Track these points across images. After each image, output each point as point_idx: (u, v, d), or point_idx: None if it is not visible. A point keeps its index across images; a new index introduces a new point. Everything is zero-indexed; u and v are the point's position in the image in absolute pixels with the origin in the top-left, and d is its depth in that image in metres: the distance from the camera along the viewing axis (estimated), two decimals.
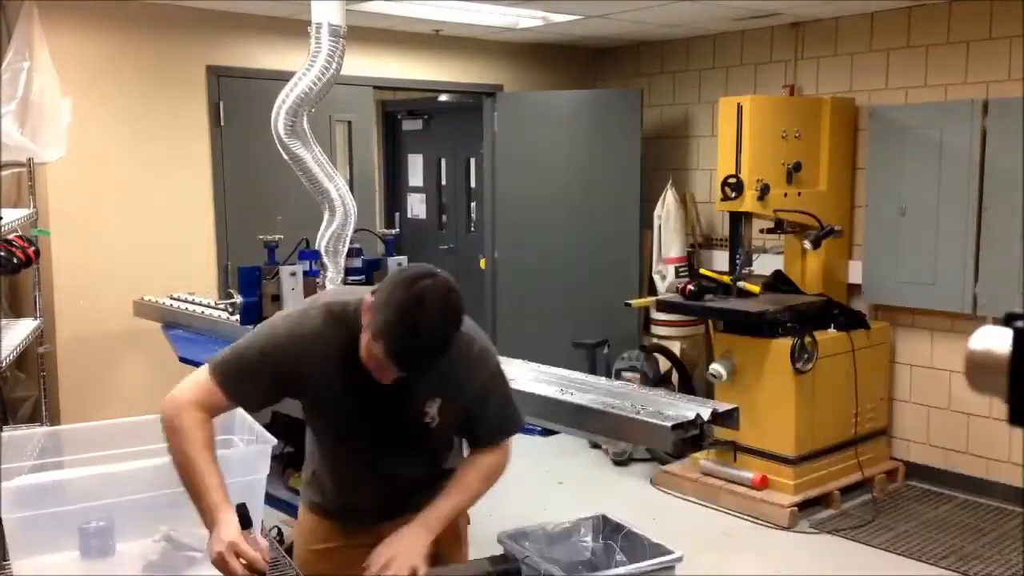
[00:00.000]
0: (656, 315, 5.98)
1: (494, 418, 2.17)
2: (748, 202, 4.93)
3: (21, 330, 4.20)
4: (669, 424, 2.65)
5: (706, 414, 2.70)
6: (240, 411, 2.30)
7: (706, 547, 4.40)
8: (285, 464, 3.61)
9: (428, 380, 2.00)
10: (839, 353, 4.98)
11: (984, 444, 5.07)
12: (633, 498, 5.07)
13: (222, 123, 5.24)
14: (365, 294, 1.94)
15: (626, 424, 2.77)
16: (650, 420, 2.71)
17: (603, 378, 3.60)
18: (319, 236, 3.61)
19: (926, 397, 5.32)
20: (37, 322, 4.36)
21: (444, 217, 8.11)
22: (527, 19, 5.54)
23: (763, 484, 4.85)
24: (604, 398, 2.94)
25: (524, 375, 3.19)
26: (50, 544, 1.96)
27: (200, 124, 5.20)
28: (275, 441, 2.13)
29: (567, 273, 6.44)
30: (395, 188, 8.38)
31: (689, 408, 2.77)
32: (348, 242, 3.63)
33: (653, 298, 5.55)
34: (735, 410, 2.77)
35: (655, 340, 6.11)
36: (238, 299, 3.47)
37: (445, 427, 2.12)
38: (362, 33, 5.48)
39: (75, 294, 4.80)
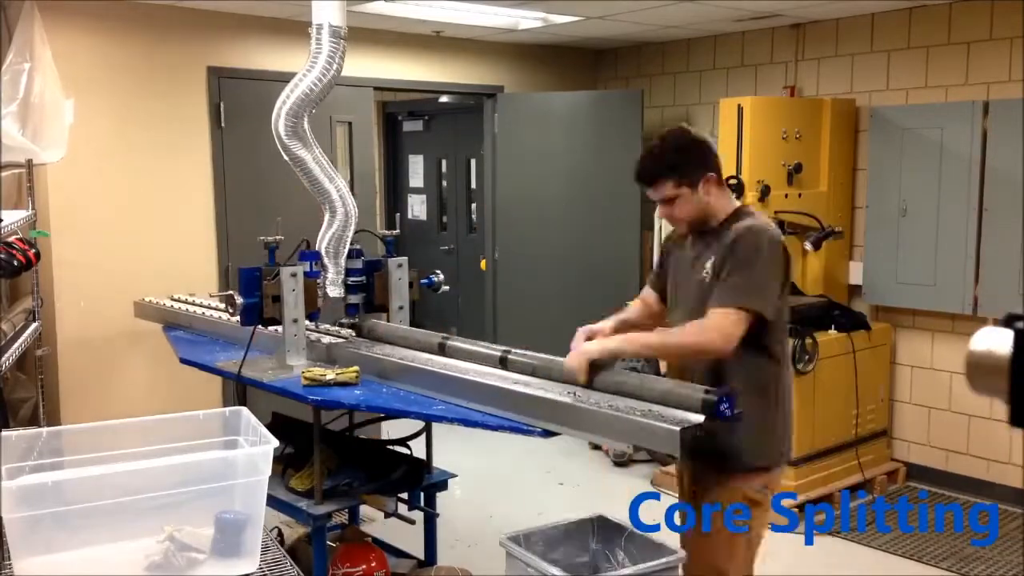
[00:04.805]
0: None
1: (723, 285, 2.59)
2: (749, 203, 4.93)
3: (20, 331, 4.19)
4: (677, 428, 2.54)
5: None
6: (246, 412, 2.29)
7: None
8: (285, 464, 3.60)
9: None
10: (840, 354, 4.99)
11: (985, 445, 5.07)
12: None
13: (223, 124, 5.24)
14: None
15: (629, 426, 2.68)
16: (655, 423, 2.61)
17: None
18: (319, 237, 3.61)
19: (927, 398, 5.32)
20: (36, 324, 4.35)
21: (445, 218, 8.11)
22: (527, 20, 5.54)
23: None
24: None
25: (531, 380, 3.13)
26: (50, 544, 1.96)
27: (200, 125, 5.20)
28: (277, 442, 2.12)
29: (568, 274, 6.44)
30: (396, 189, 8.39)
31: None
32: (349, 243, 3.63)
33: None
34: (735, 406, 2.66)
35: None
36: (238, 300, 3.46)
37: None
38: (363, 34, 5.49)
39: (75, 295, 4.80)
